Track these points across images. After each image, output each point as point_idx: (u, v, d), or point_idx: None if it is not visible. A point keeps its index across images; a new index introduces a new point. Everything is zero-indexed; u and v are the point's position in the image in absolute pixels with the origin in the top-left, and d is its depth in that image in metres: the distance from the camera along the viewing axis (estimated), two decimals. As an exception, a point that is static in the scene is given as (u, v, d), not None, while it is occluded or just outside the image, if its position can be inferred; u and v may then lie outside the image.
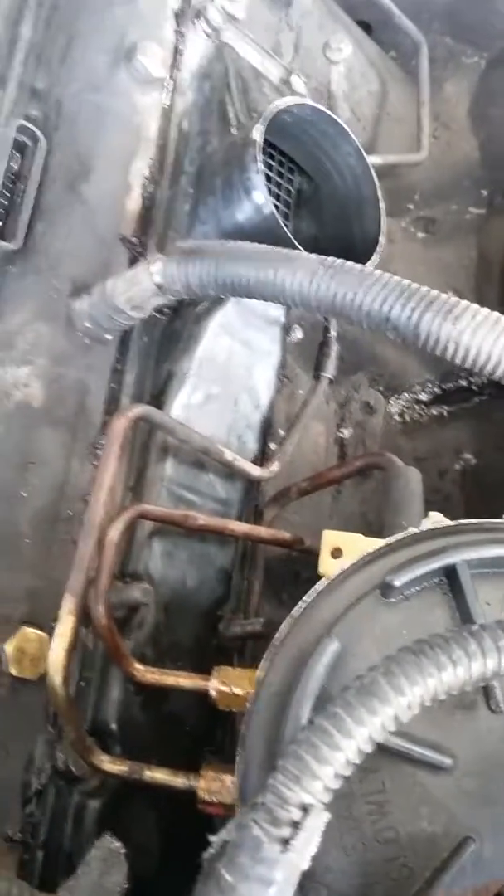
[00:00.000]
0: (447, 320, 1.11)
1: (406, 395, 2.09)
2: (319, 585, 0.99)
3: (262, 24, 1.86)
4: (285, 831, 0.63)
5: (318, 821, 0.64)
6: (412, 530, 1.05)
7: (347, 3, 2.20)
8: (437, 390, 2.07)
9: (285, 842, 0.63)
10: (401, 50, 2.39)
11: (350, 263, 1.21)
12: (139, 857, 1.05)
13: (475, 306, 1.12)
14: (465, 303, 1.12)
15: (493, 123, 2.36)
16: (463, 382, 2.04)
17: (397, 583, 0.93)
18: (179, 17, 1.63)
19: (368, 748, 0.68)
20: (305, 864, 0.64)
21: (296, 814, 0.64)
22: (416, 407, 2.09)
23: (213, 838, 0.66)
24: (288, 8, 1.94)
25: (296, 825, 0.63)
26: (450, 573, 0.97)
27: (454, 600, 0.97)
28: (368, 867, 0.84)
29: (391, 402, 2.08)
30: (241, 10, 1.78)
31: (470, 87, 2.43)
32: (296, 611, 0.97)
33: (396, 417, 2.07)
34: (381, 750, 0.87)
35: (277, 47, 1.90)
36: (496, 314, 1.11)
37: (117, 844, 0.92)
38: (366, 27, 2.33)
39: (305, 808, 0.64)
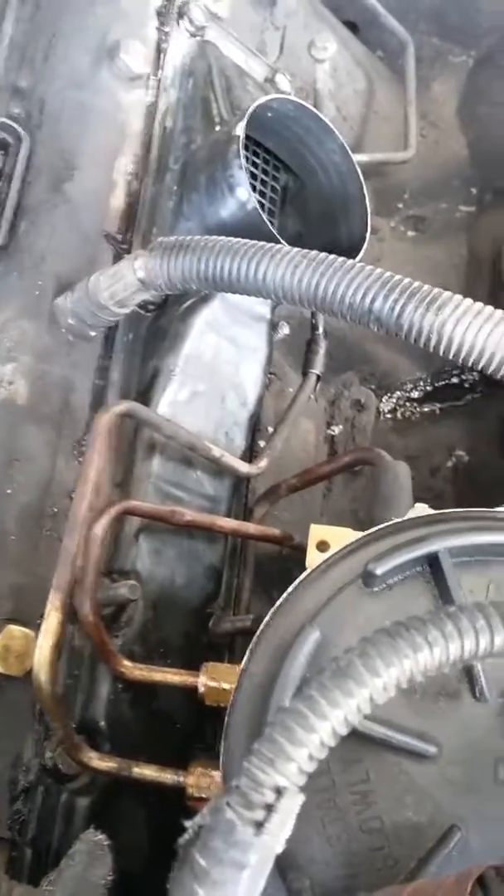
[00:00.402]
0: (430, 310, 1.10)
1: (398, 393, 2.08)
2: (302, 576, 0.98)
3: (247, 23, 1.87)
4: (259, 814, 0.63)
5: (293, 803, 0.63)
6: (396, 520, 1.04)
7: (333, 2, 2.21)
8: (429, 388, 2.06)
9: (259, 825, 0.62)
10: (387, 49, 2.40)
11: (332, 256, 1.21)
12: (129, 855, 1.04)
13: (458, 296, 1.11)
14: (448, 293, 1.11)
15: (482, 122, 2.37)
16: (455, 380, 2.04)
17: (379, 571, 0.93)
18: (162, 15, 1.64)
19: (344, 730, 0.67)
20: (280, 847, 0.63)
21: (269, 796, 0.63)
22: (408, 405, 2.08)
23: (188, 823, 0.65)
24: (272, 7, 1.96)
25: (269, 808, 0.63)
26: (432, 561, 0.96)
27: (437, 589, 0.96)
28: (353, 857, 0.83)
29: (383, 400, 2.07)
30: (225, 8, 1.79)
31: (458, 85, 2.45)
32: (278, 602, 0.96)
33: (388, 415, 2.06)
34: (365, 739, 0.86)
35: (262, 46, 1.91)
36: (479, 304, 1.10)
37: (101, 837, 0.91)
38: (352, 27, 2.34)
39: (279, 791, 0.63)
